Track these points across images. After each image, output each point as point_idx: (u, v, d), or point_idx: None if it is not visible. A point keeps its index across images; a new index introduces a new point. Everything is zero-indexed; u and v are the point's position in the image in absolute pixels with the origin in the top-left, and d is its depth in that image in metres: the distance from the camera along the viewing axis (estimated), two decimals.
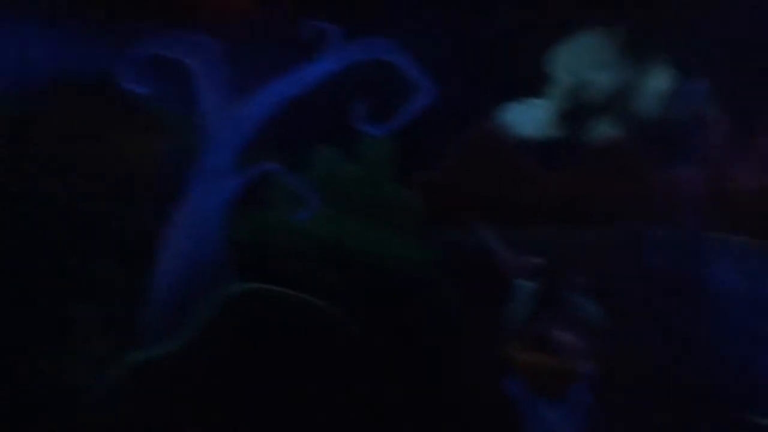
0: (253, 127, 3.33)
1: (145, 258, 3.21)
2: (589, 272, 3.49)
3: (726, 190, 3.88)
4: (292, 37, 3.35)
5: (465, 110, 3.78)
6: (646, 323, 3.59)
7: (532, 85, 4.02)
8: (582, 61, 4.09)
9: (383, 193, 3.67)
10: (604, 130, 4.11)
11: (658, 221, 3.77)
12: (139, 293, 3.23)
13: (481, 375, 3.36)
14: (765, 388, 3.45)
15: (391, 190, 3.69)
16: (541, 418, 3.19)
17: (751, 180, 3.92)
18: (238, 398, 3.05)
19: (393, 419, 3.22)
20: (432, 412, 3.28)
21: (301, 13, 3.44)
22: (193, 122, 3.28)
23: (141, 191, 3.19)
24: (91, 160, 3.15)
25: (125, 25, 3.11)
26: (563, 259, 3.56)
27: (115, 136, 3.13)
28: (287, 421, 3.08)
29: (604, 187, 3.88)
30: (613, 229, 3.78)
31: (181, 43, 3.19)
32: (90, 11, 3.04)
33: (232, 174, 3.30)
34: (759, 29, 3.89)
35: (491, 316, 3.38)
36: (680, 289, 3.66)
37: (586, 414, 3.20)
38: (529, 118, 4.04)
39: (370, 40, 3.40)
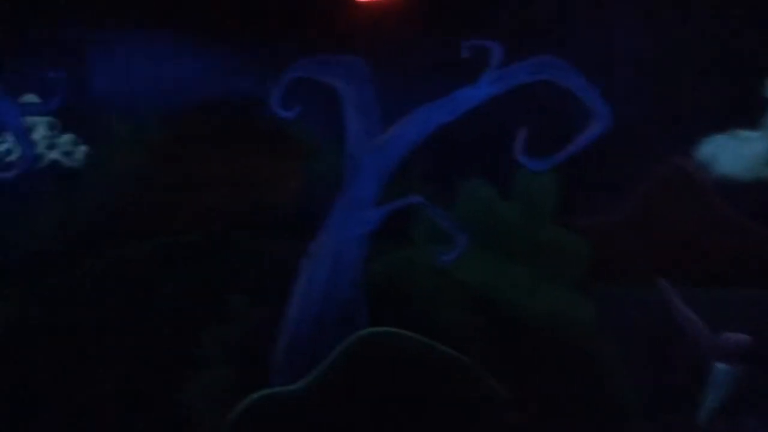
0: (401, 156, 3.06)
1: (279, 290, 3.07)
2: None
3: None
4: (450, 58, 3.04)
5: (649, 142, 3.17)
6: None
7: (743, 113, 3.27)
8: None
9: (542, 237, 3.19)
10: None
11: None
12: (270, 326, 3.10)
13: None
14: None
15: (551, 233, 3.20)
16: None
17: None
18: None
19: None
20: None
21: (461, 30, 3.12)
22: (340, 149, 3.10)
23: (280, 219, 3.07)
24: (232, 183, 3.10)
25: (274, 48, 3.03)
26: None
27: (258, 160, 3.06)
28: None
29: None
30: None
31: (330, 65, 3.03)
32: (239, 35, 3.02)
33: (374, 206, 3.06)
34: None
35: (665, 397, 2.74)
36: None
37: None
38: (736, 153, 3.28)
39: (538, 59, 2.97)
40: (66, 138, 3.10)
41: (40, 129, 3.10)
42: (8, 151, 3.16)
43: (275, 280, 3.06)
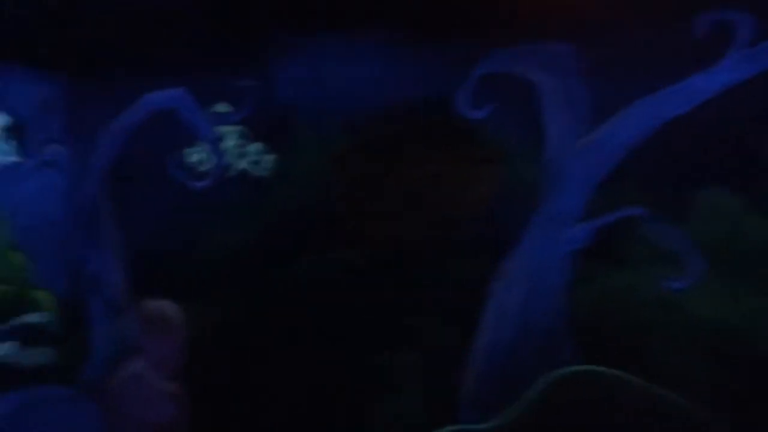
0: (614, 159, 2.53)
1: (470, 312, 2.72)
2: None
3: None
4: (678, 37, 2.44)
5: None
6: None
7: None
8: None
9: None
10: None
11: None
12: (460, 352, 2.76)
13: None
14: None
15: None
16: None
17: None
18: None
19: None
20: None
21: (695, 4, 2.50)
22: (539, 153, 2.66)
23: (470, 234, 2.71)
24: (418, 193, 2.80)
25: (462, 42, 2.67)
26: None
27: (446, 168, 2.73)
28: None
29: None
30: None
31: (528, 56, 2.61)
32: (425, 30, 2.70)
33: (581, 219, 2.57)
34: None
35: None
36: None
37: None
38: None
39: None
40: (254, 147, 3.07)
41: (231, 138, 3.11)
42: (201, 161, 3.21)
43: (465, 303, 2.71)
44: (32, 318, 3.33)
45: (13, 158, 3.93)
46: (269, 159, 3.02)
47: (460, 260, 2.70)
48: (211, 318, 3.24)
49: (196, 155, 3.23)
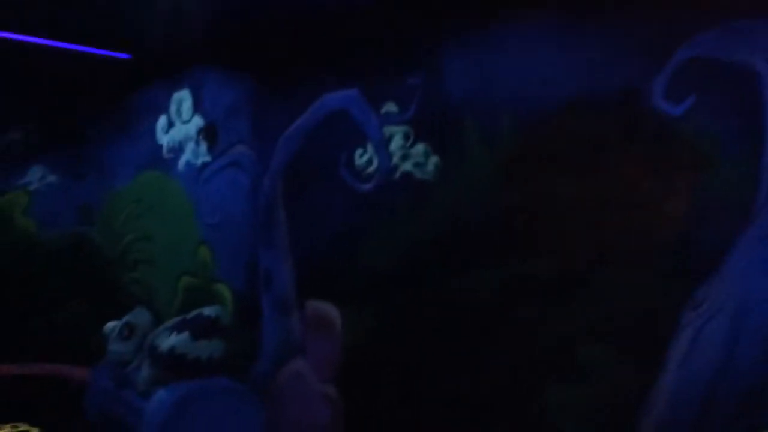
0: None
1: (654, 345, 2.28)
2: None
3: None
4: None
5: None
6: None
7: None
8: None
9: None
10: None
11: None
12: (637, 392, 2.33)
13: None
14: None
15: None
16: None
17: None
18: None
19: None
20: None
21: None
22: (754, 158, 2.16)
23: (660, 251, 2.27)
24: (600, 203, 2.41)
25: (658, 20, 2.24)
26: None
27: (634, 173, 2.32)
28: None
29: None
30: None
31: (744, 36, 2.13)
32: (611, 15, 2.30)
33: None
34: None
35: None
36: None
37: None
38: None
39: None
40: (419, 148, 2.91)
41: (396, 139, 2.98)
42: (368, 163, 3.13)
43: (645, 332, 2.28)
44: (209, 311, 3.47)
45: (204, 159, 4.20)
46: (434, 161, 2.85)
47: (646, 283, 2.28)
48: (370, 324, 3.13)
49: (364, 157, 3.15)
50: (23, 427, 3.67)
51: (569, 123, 2.47)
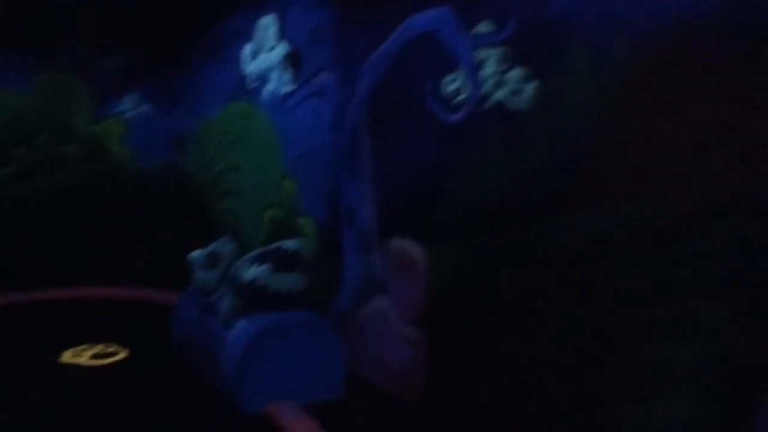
0: None
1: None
2: None
3: None
4: None
5: None
6: None
7: None
8: None
9: None
10: None
11: None
12: (759, 354, 2.02)
13: None
14: None
15: None
16: None
17: None
18: None
19: None
20: None
21: None
22: None
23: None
24: (727, 143, 2.04)
25: None
26: None
27: (762, 105, 1.93)
28: None
29: None
30: None
31: None
32: None
33: None
34: None
35: None
36: None
37: None
38: None
39: None
40: (515, 73, 2.59)
41: (490, 64, 2.67)
42: (458, 91, 2.85)
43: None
44: (290, 244, 3.38)
45: (288, 88, 4.05)
46: (532, 88, 2.53)
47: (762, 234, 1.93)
48: (455, 265, 2.93)
49: (453, 84, 2.88)
50: (114, 348, 3.80)
51: (691, 47, 2.08)
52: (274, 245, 3.41)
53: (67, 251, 4.98)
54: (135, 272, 4.93)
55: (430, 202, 3.03)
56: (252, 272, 3.29)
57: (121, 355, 3.72)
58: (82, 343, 3.84)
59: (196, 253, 3.82)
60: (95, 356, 3.69)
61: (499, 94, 2.72)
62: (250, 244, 4.23)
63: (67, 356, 3.66)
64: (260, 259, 3.34)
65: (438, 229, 3.01)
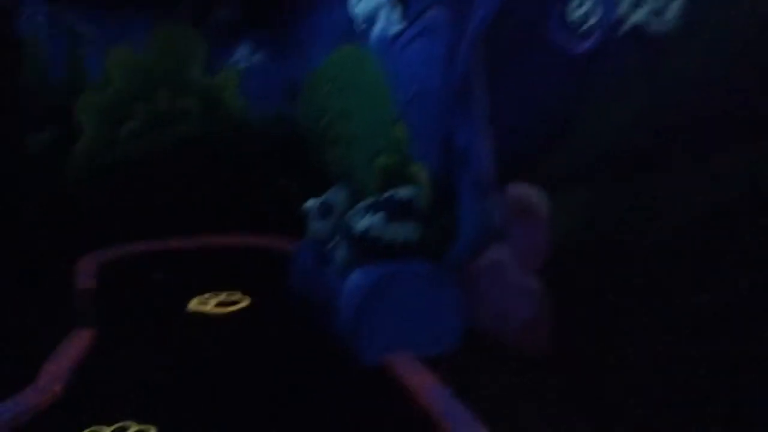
0: None
1: None
2: None
3: None
4: None
5: None
6: None
7: None
8: None
9: None
10: None
11: None
12: None
13: None
14: None
15: None
16: None
17: None
18: None
19: None
20: None
21: None
22: None
23: None
24: None
25: None
26: None
27: None
28: None
29: None
30: None
31: None
32: None
33: None
34: None
35: None
36: None
37: None
38: None
39: None
40: None
41: None
42: (586, 16, 2.52)
43: None
44: (403, 192, 3.26)
45: (397, 27, 3.85)
46: (677, 7, 2.15)
47: None
48: (581, 213, 2.67)
49: (580, 9, 2.56)
50: (236, 296, 3.90)
51: None
52: (387, 194, 3.29)
53: (188, 202, 5.16)
54: (253, 221, 5.03)
55: (554, 144, 2.77)
56: (365, 222, 3.20)
57: (243, 304, 3.80)
58: (207, 291, 3.97)
59: (310, 203, 3.80)
60: (220, 304, 3.79)
61: (637, 16, 2.37)
62: (363, 193, 4.16)
63: (194, 304, 3.79)
64: (373, 209, 3.24)
65: (563, 173, 2.75)
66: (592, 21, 2.52)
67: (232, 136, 5.39)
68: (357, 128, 4.55)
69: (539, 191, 2.89)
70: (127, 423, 2.43)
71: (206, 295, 3.91)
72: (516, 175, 3.00)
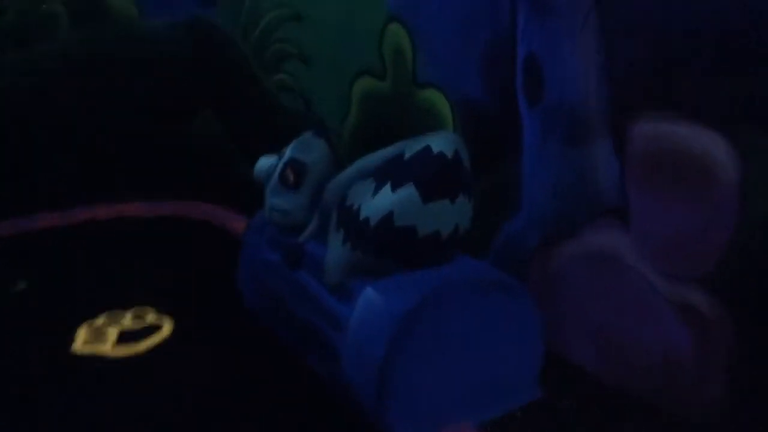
0: None
1: None
2: None
3: None
4: None
5: None
6: None
7: None
8: None
9: None
10: None
11: None
12: None
13: None
14: None
15: None
16: None
17: None
18: None
19: None
20: None
21: None
22: None
23: None
24: None
25: None
26: None
27: None
28: None
29: None
30: None
31: None
32: None
33: None
34: None
35: None
36: None
37: None
38: None
39: None
40: None
41: None
42: None
43: None
44: (440, 143, 1.83)
45: None
46: None
47: None
48: None
49: None
50: (150, 315, 2.43)
51: None
52: (412, 149, 1.86)
53: (62, 155, 3.50)
54: (165, 183, 3.43)
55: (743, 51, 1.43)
56: (383, 203, 1.79)
57: (163, 332, 2.33)
58: (101, 310, 2.46)
59: (265, 162, 2.31)
60: (124, 338, 2.31)
61: None
62: (354, 144, 2.74)
63: (81, 341, 2.29)
64: (394, 178, 1.81)
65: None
66: None
67: (122, 55, 3.67)
68: (319, 36, 3.00)
69: (712, 133, 1.57)
70: None
71: (100, 319, 2.42)
72: (652, 103, 1.62)
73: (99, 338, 2.29)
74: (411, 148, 1.87)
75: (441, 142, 1.85)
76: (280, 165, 2.20)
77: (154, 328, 2.36)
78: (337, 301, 1.90)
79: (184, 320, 2.38)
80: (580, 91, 1.86)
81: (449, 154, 1.82)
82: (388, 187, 1.79)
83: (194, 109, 3.79)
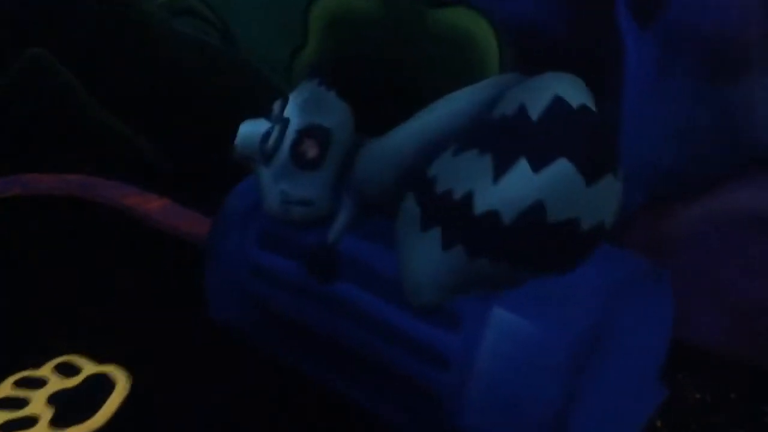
0: None
1: None
2: None
3: None
4: None
5: None
6: None
7: None
8: None
9: None
10: None
11: None
12: None
13: None
14: None
15: None
16: None
17: None
18: None
19: None
20: None
21: None
22: None
23: None
24: None
25: None
26: None
27: None
28: None
29: None
30: None
31: None
32: None
33: None
34: None
35: None
36: None
37: None
38: None
39: None
40: None
41: None
42: None
43: None
44: (565, 86, 1.26)
45: None
46: None
47: None
48: None
49: None
50: (87, 366, 1.63)
51: None
52: (512, 104, 1.26)
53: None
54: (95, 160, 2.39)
55: None
56: (516, 190, 1.19)
57: (113, 399, 1.56)
58: (17, 360, 1.61)
59: (248, 129, 1.54)
60: (59, 415, 1.51)
61: None
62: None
63: None
64: (512, 149, 1.21)
65: None
66: None
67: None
68: None
69: None
70: None
71: (20, 377, 1.57)
72: None
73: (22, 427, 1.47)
74: (529, 100, 1.27)
75: (569, 90, 1.26)
76: (291, 134, 1.47)
77: (101, 386, 1.58)
78: (432, 326, 1.31)
79: (139, 363, 1.62)
80: (731, 5, 1.37)
81: (592, 106, 1.25)
82: (523, 165, 1.19)
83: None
